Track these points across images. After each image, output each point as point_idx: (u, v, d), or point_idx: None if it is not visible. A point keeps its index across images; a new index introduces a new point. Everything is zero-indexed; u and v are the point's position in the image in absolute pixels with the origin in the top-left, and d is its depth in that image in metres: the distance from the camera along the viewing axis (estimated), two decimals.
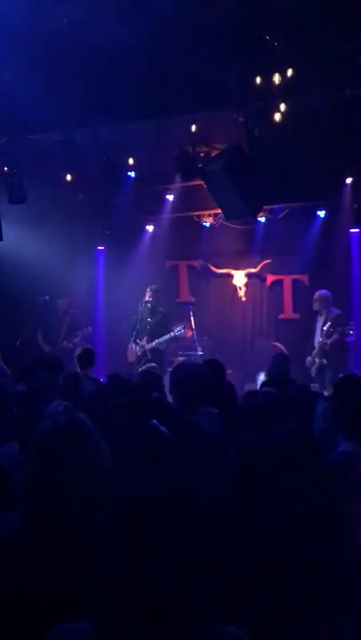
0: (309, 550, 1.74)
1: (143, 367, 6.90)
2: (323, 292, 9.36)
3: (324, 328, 9.04)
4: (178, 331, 9.81)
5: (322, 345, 9.04)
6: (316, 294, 9.38)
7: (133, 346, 9.96)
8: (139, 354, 9.88)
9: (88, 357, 7.18)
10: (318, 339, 9.20)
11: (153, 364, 7.24)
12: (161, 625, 1.34)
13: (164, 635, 1.34)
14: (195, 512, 1.45)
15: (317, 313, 9.39)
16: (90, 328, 10.40)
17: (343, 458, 2.95)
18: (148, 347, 9.84)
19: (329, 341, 9.00)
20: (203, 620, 1.38)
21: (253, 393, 4.72)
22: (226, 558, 1.80)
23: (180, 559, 1.37)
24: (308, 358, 9.27)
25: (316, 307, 9.35)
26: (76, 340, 9.99)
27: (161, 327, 9.86)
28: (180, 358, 10.15)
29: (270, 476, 1.85)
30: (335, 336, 9.02)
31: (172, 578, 1.35)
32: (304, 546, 1.75)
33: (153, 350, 9.81)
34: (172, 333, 9.78)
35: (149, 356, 9.67)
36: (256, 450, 1.92)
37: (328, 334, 9.01)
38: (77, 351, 7.36)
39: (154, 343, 9.79)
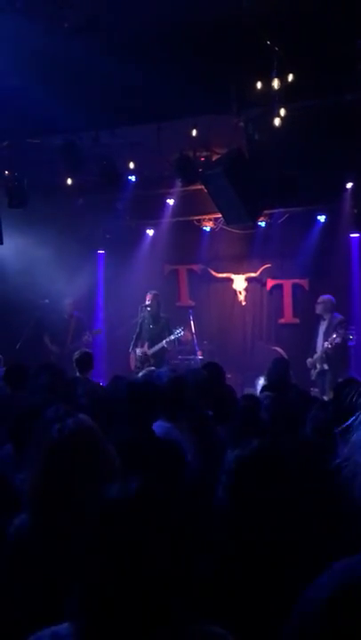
0: (303, 560, 1.74)
1: (143, 372, 6.89)
2: (327, 296, 9.37)
3: (333, 335, 9.03)
4: (178, 333, 9.81)
5: (326, 349, 9.04)
6: (320, 298, 9.37)
7: (137, 351, 9.96)
8: (141, 360, 9.88)
9: (87, 361, 7.18)
10: (321, 343, 9.21)
11: (153, 369, 7.23)
12: (138, 625, 1.36)
13: (140, 635, 1.36)
14: (169, 516, 1.46)
15: (320, 317, 9.41)
16: (100, 328, 10.36)
17: (342, 462, 2.95)
18: (150, 352, 9.86)
19: (330, 346, 8.99)
20: (180, 620, 1.39)
21: (250, 397, 4.71)
22: (220, 563, 1.81)
23: (154, 561, 1.38)
24: (309, 360, 9.29)
25: (318, 310, 9.35)
26: (84, 338, 9.95)
27: (164, 334, 9.86)
28: (180, 363, 10.18)
29: (263, 486, 1.85)
30: (338, 340, 9.02)
31: (146, 580, 1.37)
32: (297, 555, 1.75)
33: (155, 355, 9.82)
34: (172, 336, 9.78)
35: (152, 362, 9.68)
36: (249, 459, 1.92)
37: (331, 342, 9.01)
38: (75, 355, 7.36)
39: (156, 348, 9.80)
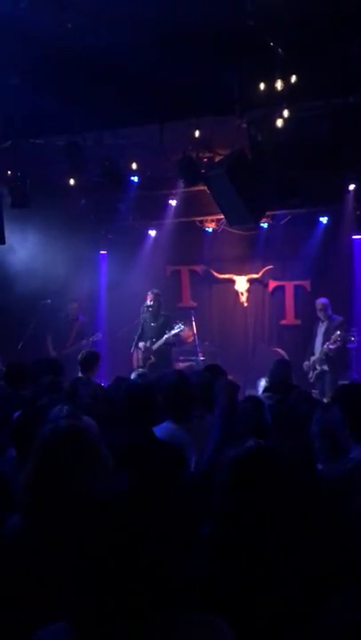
0: (300, 557, 1.74)
1: (134, 373, 6.88)
2: (323, 300, 9.42)
3: (333, 336, 9.03)
4: (178, 327, 9.80)
5: (327, 351, 9.05)
6: (319, 304, 9.41)
7: (138, 350, 9.97)
8: (143, 357, 9.89)
9: (90, 362, 7.15)
10: (319, 345, 9.24)
11: (144, 371, 7.24)
12: (129, 620, 1.37)
13: (132, 626, 1.37)
14: (160, 514, 1.47)
15: (318, 319, 9.44)
16: (99, 334, 10.36)
17: (355, 463, 2.96)
18: (153, 348, 9.86)
19: (333, 347, 9.01)
20: (171, 612, 1.41)
21: (251, 398, 4.70)
22: (218, 563, 1.81)
23: (143, 559, 1.40)
24: (306, 363, 9.32)
25: (320, 315, 9.39)
26: (83, 342, 9.94)
27: (164, 330, 9.87)
28: (181, 364, 10.18)
29: (263, 486, 1.85)
30: (339, 342, 9.04)
31: (136, 577, 1.38)
32: (295, 555, 1.75)
33: (157, 353, 9.83)
34: (173, 331, 9.78)
35: (153, 360, 9.68)
36: (248, 459, 1.92)
37: (334, 341, 9.02)
38: (80, 355, 7.32)
39: (158, 344, 9.80)
